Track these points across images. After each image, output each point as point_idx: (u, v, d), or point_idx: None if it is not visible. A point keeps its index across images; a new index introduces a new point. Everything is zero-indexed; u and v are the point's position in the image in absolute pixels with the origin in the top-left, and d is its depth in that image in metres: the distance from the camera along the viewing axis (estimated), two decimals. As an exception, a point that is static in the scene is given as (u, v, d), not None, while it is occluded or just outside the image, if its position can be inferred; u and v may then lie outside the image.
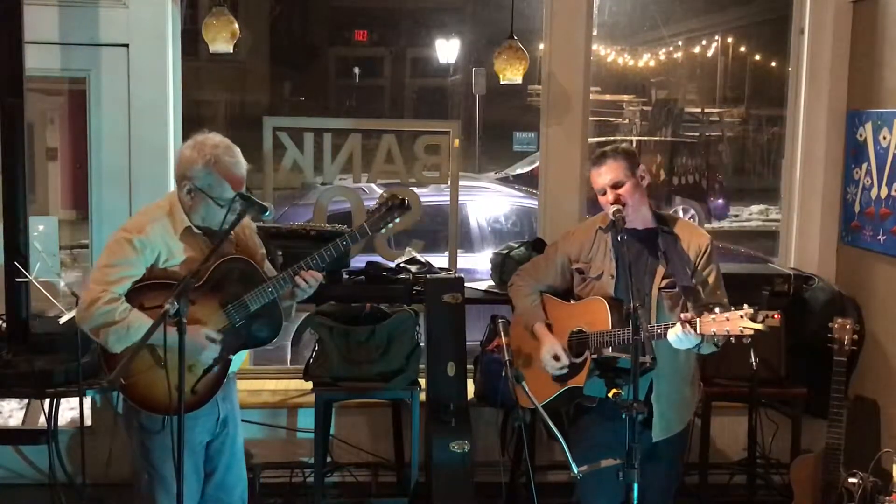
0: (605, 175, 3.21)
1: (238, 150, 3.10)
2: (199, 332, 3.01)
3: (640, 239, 3.25)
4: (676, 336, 2.99)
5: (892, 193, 4.35)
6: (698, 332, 2.94)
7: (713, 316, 2.93)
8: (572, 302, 3.38)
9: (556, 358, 3.27)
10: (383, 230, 3.22)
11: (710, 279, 3.26)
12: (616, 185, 3.20)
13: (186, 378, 3.02)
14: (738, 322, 2.87)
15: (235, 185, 3.03)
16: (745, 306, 2.91)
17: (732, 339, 2.92)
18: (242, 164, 3.08)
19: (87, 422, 4.34)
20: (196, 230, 3.09)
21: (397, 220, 3.19)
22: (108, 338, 2.99)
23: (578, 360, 3.25)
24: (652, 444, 3.20)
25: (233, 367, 3.22)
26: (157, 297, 3.00)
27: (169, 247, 3.05)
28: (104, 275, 3.01)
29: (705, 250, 3.26)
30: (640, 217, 3.26)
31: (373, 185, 5.78)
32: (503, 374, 3.09)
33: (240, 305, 3.08)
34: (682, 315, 2.99)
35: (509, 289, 3.61)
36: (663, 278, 3.20)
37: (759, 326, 2.86)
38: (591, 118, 5.10)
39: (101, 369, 3.14)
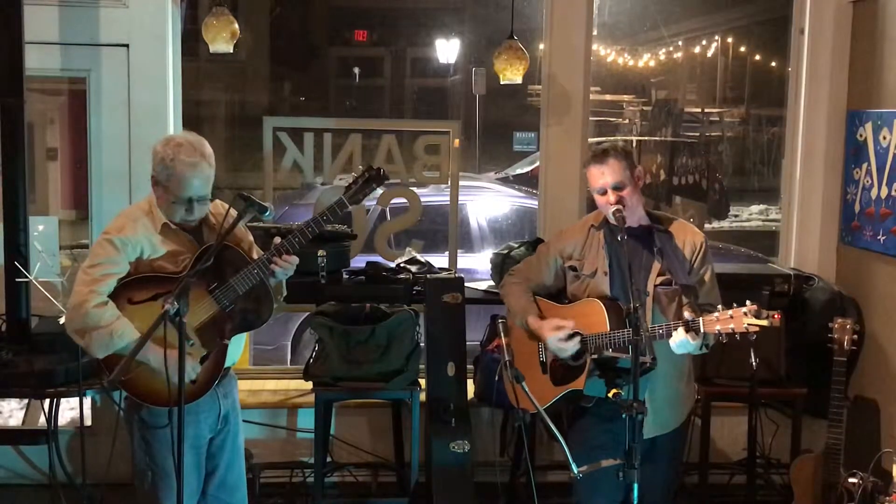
0: (606, 175, 3.19)
1: (201, 152, 3.04)
2: None
3: (635, 236, 3.24)
4: (678, 343, 3.00)
5: (892, 193, 4.35)
6: (702, 330, 2.95)
7: (717, 314, 2.94)
8: (566, 304, 3.37)
9: (560, 329, 3.18)
10: (363, 202, 3.27)
11: (706, 277, 3.26)
12: (618, 187, 3.19)
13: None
14: (743, 319, 2.89)
15: (187, 188, 3.00)
16: (749, 302, 2.92)
17: (738, 337, 2.93)
18: (200, 167, 3.02)
19: (87, 422, 4.34)
20: (173, 226, 3.11)
21: (376, 190, 3.23)
22: (91, 341, 3.00)
23: (577, 363, 3.24)
24: (651, 444, 3.19)
25: (231, 359, 3.22)
26: (145, 290, 3.05)
27: (151, 242, 3.09)
28: (88, 276, 3.04)
29: (700, 248, 3.26)
30: (635, 216, 3.26)
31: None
32: (497, 377, 3.08)
33: (227, 289, 3.08)
34: (685, 314, 3.00)
35: (501, 289, 3.55)
36: (659, 275, 3.20)
37: (763, 323, 2.87)
38: (591, 118, 5.10)
39: (100, 369, 3.15)
